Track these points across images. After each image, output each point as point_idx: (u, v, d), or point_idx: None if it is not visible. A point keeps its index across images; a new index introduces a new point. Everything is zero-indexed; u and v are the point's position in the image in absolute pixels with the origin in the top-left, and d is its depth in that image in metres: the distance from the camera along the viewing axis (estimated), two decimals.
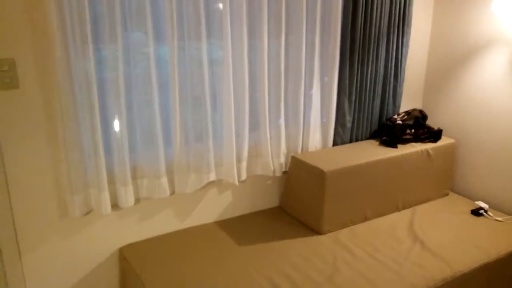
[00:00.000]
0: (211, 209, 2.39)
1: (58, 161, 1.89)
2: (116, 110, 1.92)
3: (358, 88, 2.56)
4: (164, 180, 2.11)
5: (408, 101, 2.96)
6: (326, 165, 2.24)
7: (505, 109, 2.53)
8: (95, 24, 1.80)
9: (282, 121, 2.39)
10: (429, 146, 2.58)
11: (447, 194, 2.76)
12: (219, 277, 1.89)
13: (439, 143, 2.63)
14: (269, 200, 2.58)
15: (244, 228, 2.33)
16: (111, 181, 2.01)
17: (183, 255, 2.06)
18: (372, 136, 2.74)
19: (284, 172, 2.53)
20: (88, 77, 1.80)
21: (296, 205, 2.43)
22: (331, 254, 2.08)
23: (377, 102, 2.67)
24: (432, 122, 2.96)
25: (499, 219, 2.46)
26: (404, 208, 2.56)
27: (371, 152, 2.45)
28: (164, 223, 2.25)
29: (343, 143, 2.62)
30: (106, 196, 1.94)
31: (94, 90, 1.82)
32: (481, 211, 2.50)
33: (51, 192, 1.91)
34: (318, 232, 2.28)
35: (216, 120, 2.24)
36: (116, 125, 1.94)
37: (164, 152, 2.08)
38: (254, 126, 2.37)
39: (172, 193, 2.22)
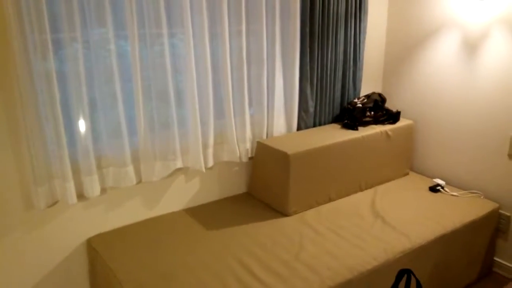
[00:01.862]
0: (179, 196, 2.41)
1: (20, 153, 1.87)
2: (78, 101, 1.91)
3: (319, 74, 2.64)
4: (130, 169, 2.12)
5: (368, 85, 3.06)
6: (290, 148, 2.30)
7: (458, 89, 2.66)
8: (53, 18, 1.79)
9: (247, 109, 2.43)
10: (388, 127, 2.68)
11: (407, 174, 2.89)
12: (189, 260, 1.93)
13: (398, 124, 2.74)
14: (237, 186, 2.63)
15: (213, 214, 2.37)
16: (76, 171, 2.01)
17: (153, 243, 2.08)
18: (335, 120, 2.83)
19: (250, 158, 2.59)
20: (48, 69, 1.79)
21: (263, 189, 2.49)
22: (297, 234, 2.15)
23: (338, 86, 2.76)
24: (391, 104, 3.07)
25: (455, 194, 2.59)
26: (366, 188, 2.66)
27: (333, 135, 2.53)
28: (132, 212, 2.26)
29: (306, 127, 2.69)
30: (71, 187, 1.94)
31: (54, 81, 1.81)
32: (438, 188, 2.63)
33: (14, 184, 1.89)
34: (285, 214, 2.35)
35: (181, 108, 2.26)
36: (79, 115, 1.93)
37: (128, 140, 2.09)
38: (219, 113, 2.41)
39: (139, 181, 2.23)
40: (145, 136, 2.14)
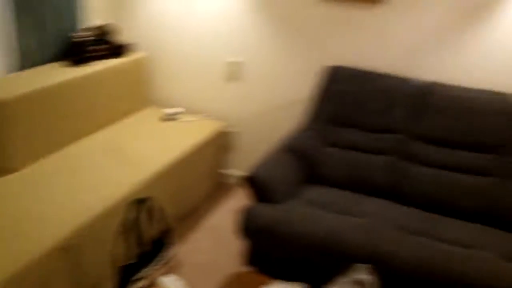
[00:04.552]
0: None
1: None
2: None
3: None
4: None
5: (95, 16, 2.82)
6: (2, 95, 1.99)
7: (181, 20, 2.73)
8: None
9: None
10: (116, 61, 2.58)
11: (144, 107, 2.89)
12: None
13: (129, 58, 2.66)
14: None
15: None
16: None
17: None
18: (57, 58, 2.54)
19: None
20: None
21: None
22: (25, 191, 1.93)
23: (54, 17, 2.45)
24: (125, 37, 2.92)
25: (191, 119, 2.75)
26: (101, 127, 2.55)
27: (52, 75, 2.28)
28: None
29: (22, 69, 2.36)
30: None
31: None
32: (175, 116, 2.74)
33: None
34: (9, 171, 2.07)
35: None
36: None
37: None
38: None
39: None
40: None
